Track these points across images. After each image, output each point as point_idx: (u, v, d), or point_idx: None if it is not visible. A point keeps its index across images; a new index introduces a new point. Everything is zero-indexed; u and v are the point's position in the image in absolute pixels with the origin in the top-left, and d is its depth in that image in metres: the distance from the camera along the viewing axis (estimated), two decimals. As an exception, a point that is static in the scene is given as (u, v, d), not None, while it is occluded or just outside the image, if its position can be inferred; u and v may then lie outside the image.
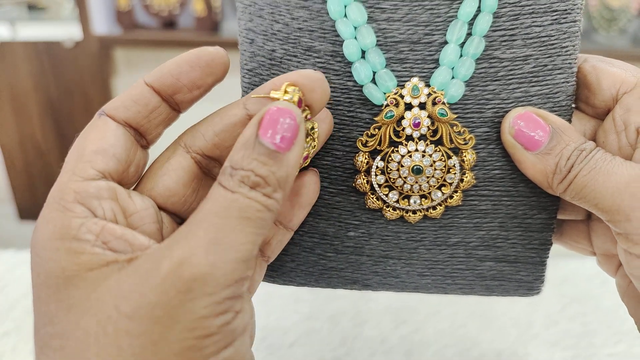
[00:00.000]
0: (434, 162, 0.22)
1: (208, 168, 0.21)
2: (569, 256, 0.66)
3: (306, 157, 0.21)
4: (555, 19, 0.22)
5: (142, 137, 0.20)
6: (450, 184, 0.23)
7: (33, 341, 0.17)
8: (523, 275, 0.26)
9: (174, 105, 0.20)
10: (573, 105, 0.23)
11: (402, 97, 0.22)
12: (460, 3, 0.21)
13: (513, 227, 0.25)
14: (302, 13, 0.22)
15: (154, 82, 0.19)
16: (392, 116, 0.22)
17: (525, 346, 0.52)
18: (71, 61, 1.13)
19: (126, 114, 0.19)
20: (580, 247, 0.25)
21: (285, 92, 0.18)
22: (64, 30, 1.14)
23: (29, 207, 1.30)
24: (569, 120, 0.23)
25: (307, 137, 0.20)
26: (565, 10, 0.22)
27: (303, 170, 0.22)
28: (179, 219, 0.21)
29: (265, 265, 0.23)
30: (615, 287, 0.25)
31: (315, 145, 0.21)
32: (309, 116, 0.19)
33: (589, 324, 0.47)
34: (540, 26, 0.22)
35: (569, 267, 0.64)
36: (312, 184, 0.22)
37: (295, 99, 0.18)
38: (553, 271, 0.53)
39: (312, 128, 0.20)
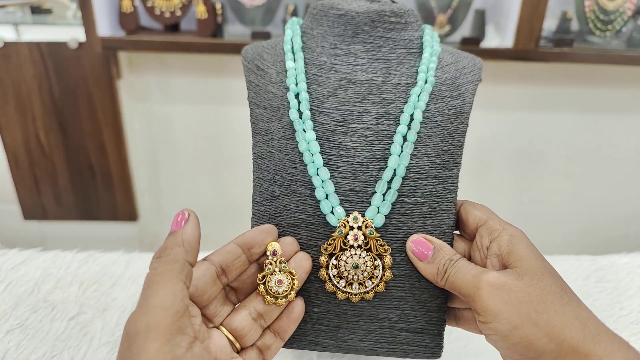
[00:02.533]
0: (366, 261, 0.35)
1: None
2: (564, 254, 0.66)
3: (292, 290, 0.34)
4: (441, 182, 0.36)
5: (224, 276, 0.34)
6: (377, 277, 0.35)
7: None
8: (427, 342, 0.37)
9: (249, 256, 0.34)
10: (457, 232, 0.38)
11: (348, 222, 0.35)
12: (384, 169, 0.35)
13: (419, 308, 0.37)
14: (292, 171, 0.36)
15: (240, 242, 0.34)
16: (341, 233, 0.35)
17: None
18: (75, 63, 1.14)
19: (220, 259, 0.33)
20: (473, 328, 0.37)
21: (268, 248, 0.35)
22: (67, 33, 1.15)
23: (33, 207, 1.31)
24: (451, 243, 0.37)
25: (288, 279, 0.34)
26: (448, 177, 0.36)
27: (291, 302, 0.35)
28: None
29: None
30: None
31: (296, 285, 0.34)
32: (282, 261, 0.34)
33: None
34: (432, 185, 0.36)
35: (565, 265, 0.64)
36: (299, 306, 0.35)
37: (271, 249, 0.34)
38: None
39: (291, 273, 0.34)
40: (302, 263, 0.35)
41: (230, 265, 0.33)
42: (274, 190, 0.36)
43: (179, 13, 1.07)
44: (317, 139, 0.36)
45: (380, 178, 0.35)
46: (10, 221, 1.35)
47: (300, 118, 0.36)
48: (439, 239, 0.36)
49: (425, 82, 0.37)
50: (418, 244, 0.34)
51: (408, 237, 0.36)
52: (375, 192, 0.35)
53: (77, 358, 0.48)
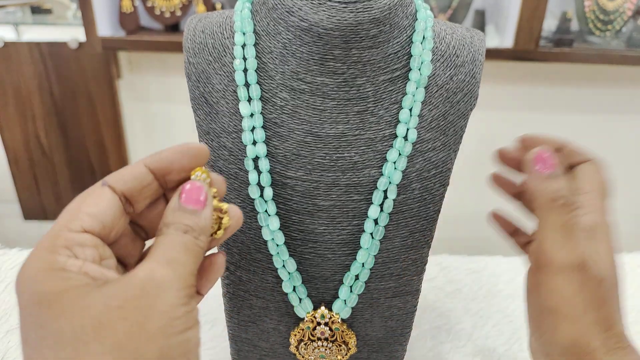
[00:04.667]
0: (332, 350, 0.36)
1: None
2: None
3: (212, 240, 0.26)
4: (411, 263, 0.34)
5: (130, 206, 0.25)
6: (342, 354, 0.36)
7: (22, 349, 0.21)
8: None
9: (163, 183, 0.26)
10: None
11: (315, 317, 0.34)
12: (353, 254, 0.33)
13: None
14: (258, 255, 0.34)
15: (152, 164, 0.25)
16: (309, 327, 0.35)
17: (520, 343, 0.53)
18: (75, 63, 1.14)
19: (124, 187, 0.24)
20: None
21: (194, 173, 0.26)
22: (67, 33, 1.15)
23: (34, 207, 1.31)
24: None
25: (215, 215, 0.26)
26: (417, 258, 0.34)
27: (212, 254, 0.28)
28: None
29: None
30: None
31: (226, 222, 0.26)
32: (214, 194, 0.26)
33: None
34: (401, 268, 0.34)
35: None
36: (221, 258, 0.28)
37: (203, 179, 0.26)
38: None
39: (222, 208, 0.26)
40: (234, 210, 0.27)
41: (137, 195, 0.25)
42: (241, 275, 0.35)
43: (179, 13, 1.07)
44: (281, 220, 0.32)
45: (348, 268, 0.33)
46: (10, 221, 1.35)
47: (262, 196, 0.32)
48: (405, 316, 0.36)
49: (405, 138, 0.31)
50: (543, 152, 0.31)
51: (373, 317, 0.36)
52: (342, 283, 0.34)
53: (77, 357, 0.48)
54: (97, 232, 0.23)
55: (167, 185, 0.26)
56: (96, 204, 0.23)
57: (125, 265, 0.27)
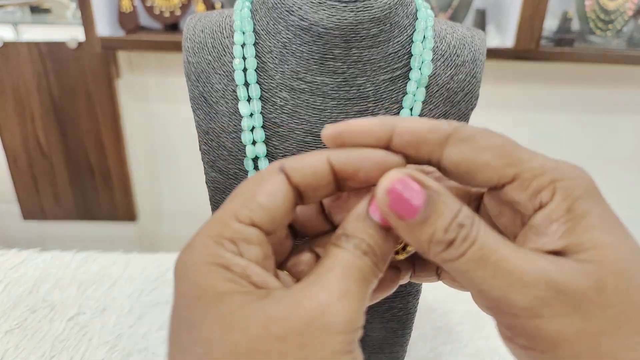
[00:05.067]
0: None
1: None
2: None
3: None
4: None
5: (300, 198, 0.21)
6: None
7: (168, 345, 0.19)
8: None
9: (340, 185, 0.21)
10: None
11: None
12: None
13: None
14: None
15: (338, 163, 0.20)
16: None
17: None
18: (74, 62, 1.14)
19: (301, 180, 0.20)
20: (460, 285, 0.24)
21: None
22: (66, 32, 1.15)
23: (33, 207, 1.31)
24: None
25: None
26: None
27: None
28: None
29: None
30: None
31: (402, 256, 0.22)
32: None
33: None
34: None
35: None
36: (395, 277, 0.24)
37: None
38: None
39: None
40: None
41: (311, 192, 0.21)
42: None
43: (178, 12, 1.07)
44: None
45: None
46: (9, 221, 1.34)
47: None
48: (405, 317, 0.29)
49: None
50: (401, 186, 0.18)
51: (373, 318, 0.31)
52: None
53: (76, 358, 0.48)
54: (265, 227, 0.20)
55: (344, 189, 0.22)
56: (270, 194, 0.20)
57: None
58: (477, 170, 0.19)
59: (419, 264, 0.25)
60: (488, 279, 0.18)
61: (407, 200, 0.18)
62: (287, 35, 0.30)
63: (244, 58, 0.31)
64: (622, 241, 0.18)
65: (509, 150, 0.19)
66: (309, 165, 0.20)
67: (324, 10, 0.29)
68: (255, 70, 0.31)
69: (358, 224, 0.19)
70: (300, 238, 0.24)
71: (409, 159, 0.20)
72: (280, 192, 0.20)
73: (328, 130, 0.20)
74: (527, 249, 0.18)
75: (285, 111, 0.31)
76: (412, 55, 0.31)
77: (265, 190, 0.20)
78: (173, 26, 1.10)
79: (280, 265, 0.23)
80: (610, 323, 0.17)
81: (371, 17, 0.29)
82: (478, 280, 0.18)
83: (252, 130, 0.31)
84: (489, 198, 0.22)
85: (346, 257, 0.19)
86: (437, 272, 0.25)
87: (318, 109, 0.31)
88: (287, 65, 0.31)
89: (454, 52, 0.33)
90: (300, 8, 0.29)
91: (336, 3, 0.29)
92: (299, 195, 0.21)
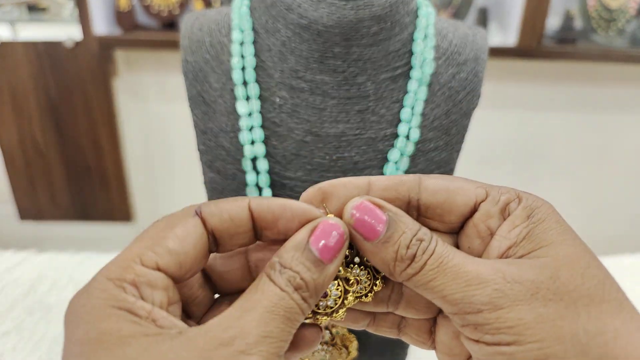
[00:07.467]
0: (333, 354, 0.34)
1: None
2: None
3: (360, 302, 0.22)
4: None
5: (215, 245, 0.21)
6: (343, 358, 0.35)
7: None
8: None
9: (259, 235, 0.21)
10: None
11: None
12: None
13: None
14: None
15: (257, 211, 0.20)
16: None
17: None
18: (71, 62, 1.13)
19: (218, 225, 0.20)
20: (421, 339, 0.24)
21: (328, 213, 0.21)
22: (64, 31, 1.14)
23: (29, 207, 1.30)
24: None
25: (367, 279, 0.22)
26: None
27: (306, 326, 0.23)
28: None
29: None
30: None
31: (370, 298, 0.22)
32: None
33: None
34: None
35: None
36: (311, 339, 0.23)
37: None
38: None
39: (376, 279, 0.22)
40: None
41: (227, 238, 0.21)
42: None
43: (176, 11, 1.06)
44: None
45: None
46: (5, 222, 1.34)
47: None
48: None
49: (407, 137, 0.29)
50: (363, 211, 0.20)
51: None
52: None
53: (72, 362, 0.47)
54: (171, 273, 0.19)
55: (260, 238, 0.22)
56: (181, 239, 0.19)
57: (186, 312, 0.22)
58: (455, 194, 0.21)
59: (379, 315, 0.25)
60: (449, 283, 0.19)
61: (370, 223, 0.20)
62: (287, 33, 0.30)
63: (243, 56, 0.31)
64: (574, 242, 0.20)
65: (473, 180, 0.22)
66: (228, 210, 0.20)
67: (324, 8, 0.28)
68: (253, 68, 0.31)
69: (296, 253, 0.19)
70: (225, 294, 0.23)
71: (390, 202, 0.21)
72: (192, 236, 0.19)
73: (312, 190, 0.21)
74: (483, 258, 0.21)
75: (284, 110, 0.30)
76: (413, 53, 0.31)
77: (175, 233, 0.19)
78: (171, 24, 1.09)
79: (199, 319, 0.22)
80: (568, 308, 0.18)
81: (372, 14, 0.28)
82: (440, 287, 0.19)
83: (250, 129, 0.31)
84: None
85: (274, 296, 0.18)
86: (399, 326, 0.25)
87: (318, 108, 0.30)
88: (287, 63, 0.30)
89: (456, 50, 0.32)
90: (299, 6, 0.29)
91: (336, 1, 0.28)
92: (215, 242, 0.20)
